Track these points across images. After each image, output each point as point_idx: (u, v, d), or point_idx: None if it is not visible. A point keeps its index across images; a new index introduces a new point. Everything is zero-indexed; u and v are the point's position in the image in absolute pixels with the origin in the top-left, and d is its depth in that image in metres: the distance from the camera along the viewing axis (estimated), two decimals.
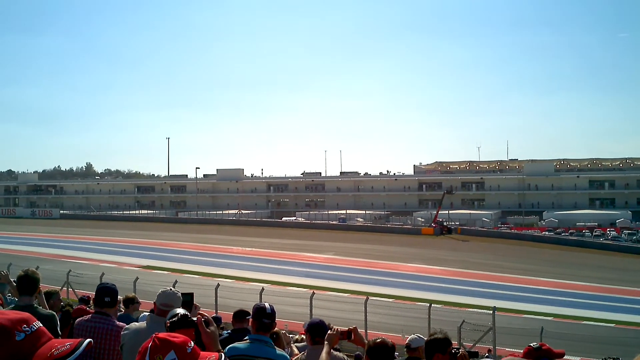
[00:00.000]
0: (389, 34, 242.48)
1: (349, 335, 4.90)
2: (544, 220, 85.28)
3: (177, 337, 2.23)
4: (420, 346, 6.93)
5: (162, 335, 2.22)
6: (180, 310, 4.21)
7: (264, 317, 4.89)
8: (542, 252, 58.45)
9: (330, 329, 4.95)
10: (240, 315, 6.75)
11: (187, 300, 5.13)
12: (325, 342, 4.82)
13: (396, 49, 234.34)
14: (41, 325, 1.98)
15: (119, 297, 6.57)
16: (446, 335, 5.31)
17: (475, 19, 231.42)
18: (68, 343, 1.91)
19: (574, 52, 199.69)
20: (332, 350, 5.12)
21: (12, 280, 6.87)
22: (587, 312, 31.35)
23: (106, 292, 5.78)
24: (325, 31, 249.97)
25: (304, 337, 7.87)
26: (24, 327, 1.91)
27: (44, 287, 6.87)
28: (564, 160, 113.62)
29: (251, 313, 5.14)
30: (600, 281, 40.93)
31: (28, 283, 5.96)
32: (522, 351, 4.18)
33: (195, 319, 3.39)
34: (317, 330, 5.53)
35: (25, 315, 1.98)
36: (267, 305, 5.04)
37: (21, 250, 50.32)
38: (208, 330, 3.46)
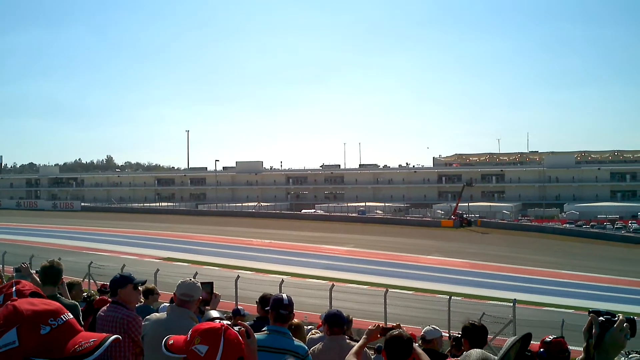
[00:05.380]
0: (409, 29, 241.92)
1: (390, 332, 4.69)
2: (565, 212, 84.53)
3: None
4: (435, 338, 6.93)
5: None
6: (216, 314, 4.18)
7: (281, 308, 4.88)
8: (563, 244, 57.99)
9: (372, 325, 4.82)
10: (265, 302, 6.72)
11: (207, 290, 5.16)
12: (364, 337, 4.71)
13: (416, 42, 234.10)
14: (71, 317, 1.95)
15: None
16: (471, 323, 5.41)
17: (494, 14, 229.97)
18: (92, 339, 1.89)
19: (596, 45, 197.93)
20: (350, 342, 5.12)
21: (32, 272, 6.95)
22: (609, 305, 30.97)
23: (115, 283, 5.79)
24: (345, 25, 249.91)
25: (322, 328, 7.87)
26: (51, 321, 1.88)
27: (66, 278, 6.95)
28: (584, 152, 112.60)
29: (269, 304, 5.14)
30: (622, 273, 40.53)
31: (52, 273, 6.05)
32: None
33: (237, 329, 3.05)
34: (335, 321, 5.53)
35: (55, 306, 1.95)
36: (284, 296, 5.03)
37: (43, 242, 50.79)
38: (247, 341, 3.01)
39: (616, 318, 2.65)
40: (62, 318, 1.91)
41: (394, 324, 4.80)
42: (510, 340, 2.22)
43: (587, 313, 2.71)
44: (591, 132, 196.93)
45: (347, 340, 5.57)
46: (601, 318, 2.66)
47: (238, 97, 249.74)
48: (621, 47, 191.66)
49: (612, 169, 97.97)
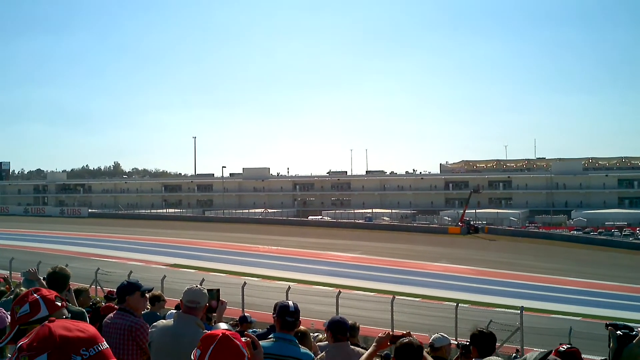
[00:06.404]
0: (415, 33, 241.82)
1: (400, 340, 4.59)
2: (573, 219, 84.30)
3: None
4: (443, 345, 6.90)
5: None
6: (225, 326, 4.16)
7: (287, 315, 4.84)
8: (570, 251, 57.78)
9: (382, 333, 4.75)
10: None
11: (213, 297, 5.15)
12: (374, 344, 4.66)
13: (422, 47, 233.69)
14: (105, 347, 1.87)
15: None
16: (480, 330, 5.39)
17: (502, 16, 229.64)
18: None
19: (603, 49, 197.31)
20: (356, 348, 5.09)
21: (41, 277, 6.97)
22: (617, 313, 30.88)
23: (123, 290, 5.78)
24: (352, 29, 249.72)
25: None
26: (83, 350, 1.80)
27: (73, 284, 6.96)
28: (592, 158, 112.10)
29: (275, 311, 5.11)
30: (630, 281, 40.37)
31: (58, 280, 6.05)
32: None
33: (244, 339, 3.01)
34: (338, 328, 5.50)
35: (90, 334, 1.87)
36: (290, 303, 5.00)
37: (50, 248, 50.88)
38: (254, 352, 2.96)
39: (635, 332, 2.60)
40: (94, 349, 1.83)
41: (404, 332, 4.61)
42: (535, 354, 2.19)
43: (604, 325, 2.65)
44: (599, 138, 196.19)
45: (352, 346, 5.55)
46: (619, 332, 2.60)
47: (245, 103, 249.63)
48: (629, 52, 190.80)
49: (619, 176, 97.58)
